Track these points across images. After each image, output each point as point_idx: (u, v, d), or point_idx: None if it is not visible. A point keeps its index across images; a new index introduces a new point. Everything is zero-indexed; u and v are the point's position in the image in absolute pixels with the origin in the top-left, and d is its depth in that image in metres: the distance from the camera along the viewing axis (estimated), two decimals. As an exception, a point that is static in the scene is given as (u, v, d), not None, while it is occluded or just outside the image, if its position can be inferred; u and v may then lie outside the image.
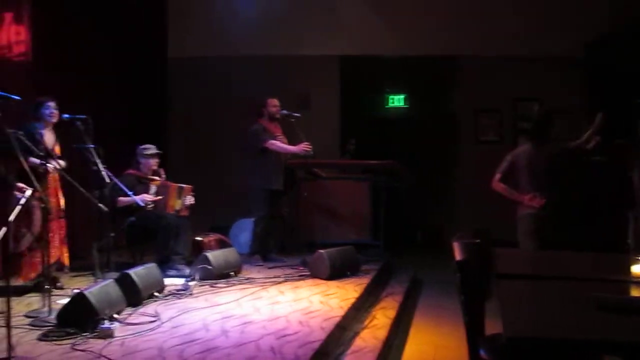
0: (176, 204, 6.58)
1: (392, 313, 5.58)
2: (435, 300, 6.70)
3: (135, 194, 6.22)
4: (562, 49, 9.30)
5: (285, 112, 7.23)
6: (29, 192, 4.37)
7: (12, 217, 3.73)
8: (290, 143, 7.22)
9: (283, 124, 7.32)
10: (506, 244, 5.28)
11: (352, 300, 5.34)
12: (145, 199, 6.31)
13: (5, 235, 4.28)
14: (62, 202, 5.58)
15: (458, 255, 2.97)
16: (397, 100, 11.47)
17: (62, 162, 5.46)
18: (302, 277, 6.23)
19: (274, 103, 7.19)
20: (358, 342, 4.64)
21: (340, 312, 4.90)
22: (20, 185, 4.85)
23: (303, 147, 7.04)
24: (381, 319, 5.34)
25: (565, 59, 9.28)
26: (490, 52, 9.64)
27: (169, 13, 10.05)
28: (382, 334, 4.90)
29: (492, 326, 2.99)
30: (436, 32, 9.68)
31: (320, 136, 8.56)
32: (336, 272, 6.19)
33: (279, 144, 7.10)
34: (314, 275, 6.26)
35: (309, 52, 9.76)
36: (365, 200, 8.06)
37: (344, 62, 9.98)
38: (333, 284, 5.97)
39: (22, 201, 4.36)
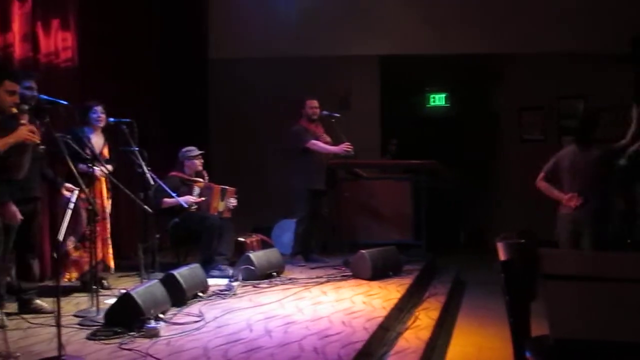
0: (219, 206, 6.66)
1: (435, 314, 5.54)
2: (479, 301, 6.62)
3: (178, 196, 6.31)
4: (608, 44, 9.06)
5: (325, 112, 7.24)
6: (76, 192, 4.48)
7: (60, 235, 3.77)
8: (331, 143, 7.22)
9: (324, 124, 7.33)
10: (552, 244, 5.20)
11: (395, 301, 5.32)
12: (188, 200, 6.39)
13: (55, 235, 4.40)
14: (106, 203, 5.69)
15: (502, 256, 2.94)
16: (438, 99, 11.36)
17: (109, 166, 5.56)
18: (344, 278, 6.23)
19: (311, 104, 7.19)
20: (401, 343, 4.62)
21: (383, 313, 4.89)
22: (69, 185, 4.99)
23: (344, 147, 7.04)
24: (424, 319, 5.30)
25: (612, 55, 9.04)
26: (534, 49, 9.47)
27: (209, 15, 10.17)
28: (425, 334, 4.86)
29: (538, 327, 2.94)
30: (478, 29, 9.55)
31: (361, 136, 8.53)
32: (378, 273, 6.17)
33: (320, 144, 7.12)
34: (356, 275, 6.25)
35: (348, 52, 9.75)
36: (406, 200, 8.00)
37: (384, 61, 9.93)
38: (375, 284, 5.96)
39: (73, 200, 4.47)
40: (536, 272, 2.95)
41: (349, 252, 6.94)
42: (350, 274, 6.34)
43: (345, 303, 5.21)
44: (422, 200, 7.62)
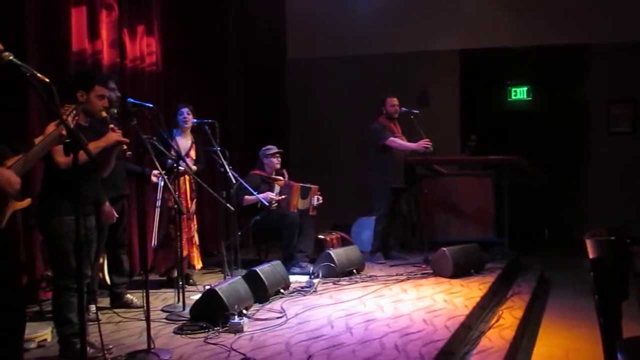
0: (299, 203, 6.73)
1: (519, 313, 5.40)
2: (566, 300, 6.40)
3: (259, 194, 6.42)
4: None
5: (404, 109, 7.18)
6: (163, 175, 4.66)
7: (158, 204, 3.99)
8: (410, 140, 7.16)
9: (402, 121, 7.28)
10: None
11: (477, 299, 5.22)
12: (269, 198, 6.49)
13: (144, 231, 4.57)
14: (190, 204, 5.83)
15: (592, 253, 2.83)
16: (520, 93, 11.08)
17: (193, 167, 5.70)
18: (424, 275, 6.18)
19: (392, 102, 7.15)
20: (484, 342, 4.53)
21: (465, 311, 4.81)
22: (156, 172, 5.16)
23: (423, 143, 6.97)
24: (508, 318, 5.18)
25: None
26: (623, 38, 9.05)
27: (287, 15, 10.28)
28: (509, 334, 4.75)
29: (629, 329, 2.83)
30: (563, 19, 9.21)
31: (440, 132, 8.43)
32: (460, 271, 6.08)
33: (399, 142, 7.07)
34: (437, 273, 6.18)
35: (427, 47, 9.64)
36: (488, 196, 7.84)
37: (464, 55, 9.76)
38: (456, 282, 5.87)
39: (161, 184, 4.64)
40: (628, 270, 2.83)
41: (429, 250, 6.88)
42: (430, 271, 6.28)
43: (426, 301, 5.16)
44: (505, 196, 7.45)
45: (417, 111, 7.25)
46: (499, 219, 7.67)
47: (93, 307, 4.52)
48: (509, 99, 11.10)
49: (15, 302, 2.99)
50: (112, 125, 3.98)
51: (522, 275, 7.10)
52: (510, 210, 7.43)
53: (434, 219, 7.79)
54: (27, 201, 3.01)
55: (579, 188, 9.71)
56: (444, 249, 6.17)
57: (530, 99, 11.02)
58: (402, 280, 5.96)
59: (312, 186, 6.87)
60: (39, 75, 2.76)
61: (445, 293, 5.45)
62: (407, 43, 9.66)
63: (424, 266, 6.55)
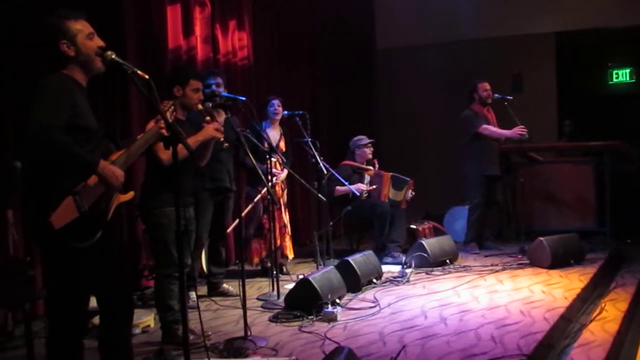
0: (390, 193, 6.70)
1: (623, 305, 5.15)
2: (675, 292, 6.05)
3: (350, 184, 6.44)
4: None
5: (497, 95, 6.99)
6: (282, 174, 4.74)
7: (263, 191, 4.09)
8: (504, 127, 6.97)
9: (496, 107, 7.09)
10: None
11: (577, 291, 5.03)
12: (360, 188, 6.50)
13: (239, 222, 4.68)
14: (281, 193, 5.90)
15: None
16: (622, 75, 10.55)
17: (284, 173, 5.76)
18: (521, 266, 6.01)
19: (484, 87, 6.98)
20: (586, 335, 4.35)
21: (565, 303, 4.65)
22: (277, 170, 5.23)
23: (518, 130, 6.76)
24: (611, 311, 4.95)
25: None
26: None
27: (375, 5, 10.23)
28: (613, 327, 4.54)
29: None
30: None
31: (536, 118, 8.16)
32: (558, 261, 5.88)
33: (492, 129, 6.89)
34: (534, 264, 6.00)
35: (521, 31, 9.34)
36: (588, 184, 7.51)
37: (560, 38, 9.39)
38: (555, 273, 5.68)
39: (275, 179, 4.73)
40: None
41: (525, 240, 6.69)
42: (527, 262, 6.10)
43: (523, 292, 5.02)
44: (606, 184, 7.12)
45: (511, 97, 7.04)
46: (600, 207, 7.34)
47: (193, 295, 4.69)
48: (610, 82, 10.60)
49: (124, 289, 3.12)
50: (208, 118, 4.10)
51: (626, 266, 6.76)
52: (612, 199, 7.10)
53: (531, 208, 7.55)
54: (131, 194, 3.14)
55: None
56: (541, 238, 5.98)
57: (633, 81, 10.47)
58: (497, 271, 5.83)
59: (409, 180, 6.81)
60: (139, 72, 2.87)
61: (543, 284, 5.28)
62: (497, 28, 9.41)
63: (519, 256, 6.38)
